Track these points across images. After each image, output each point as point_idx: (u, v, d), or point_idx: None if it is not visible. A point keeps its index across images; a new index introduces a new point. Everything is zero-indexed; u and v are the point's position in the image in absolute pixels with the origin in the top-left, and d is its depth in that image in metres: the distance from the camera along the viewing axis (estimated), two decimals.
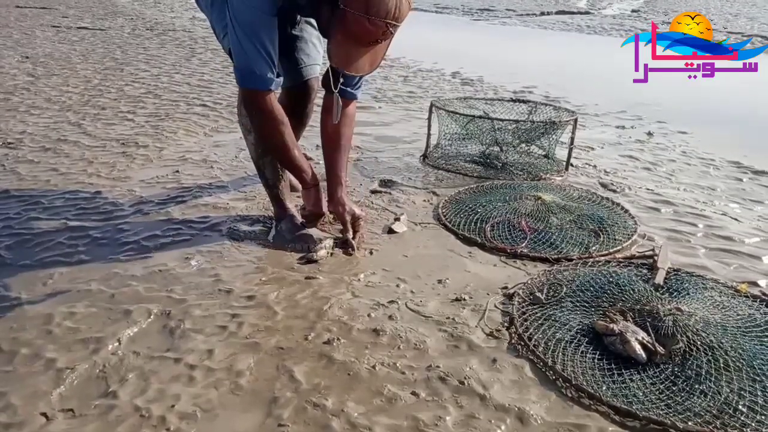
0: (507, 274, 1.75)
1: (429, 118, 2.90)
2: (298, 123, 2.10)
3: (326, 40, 1.59)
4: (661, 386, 1.25)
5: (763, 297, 1.61)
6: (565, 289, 1.61)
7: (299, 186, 1.89)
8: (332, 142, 1.92)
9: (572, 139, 2.71)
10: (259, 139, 1.86)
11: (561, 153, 2.82)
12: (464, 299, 1.59)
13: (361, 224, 1.91)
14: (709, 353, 1.31)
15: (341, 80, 1.80)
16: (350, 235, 1.87)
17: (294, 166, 1.81)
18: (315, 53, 1.98)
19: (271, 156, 1.91)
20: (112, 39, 6.42)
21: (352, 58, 1.53)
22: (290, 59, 1.95)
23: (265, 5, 1.56)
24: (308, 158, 1.83)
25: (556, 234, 1.96)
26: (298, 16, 1.88)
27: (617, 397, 1.22)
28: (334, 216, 1.95)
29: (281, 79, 1.69)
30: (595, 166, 2.80)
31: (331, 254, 1.82)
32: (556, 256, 1.83)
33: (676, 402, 1.20)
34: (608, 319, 1.42)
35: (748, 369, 1.28)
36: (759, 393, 1.22)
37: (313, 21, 1.90)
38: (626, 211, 2.21)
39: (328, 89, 1.79)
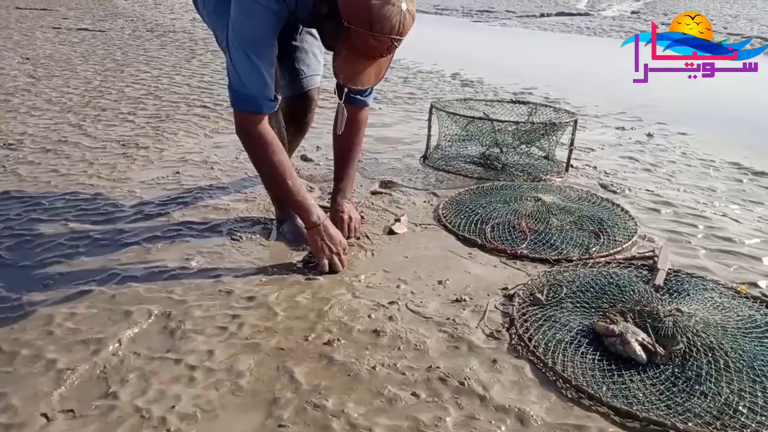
0: (507, 275, 1.75)
1: (429, 120, 2.91)
2: (298, 131, 2.14)
3: (329, 53, 1.59)
4: (662, 387, 1.25)
5: (764, 298, 1.61)
6: (565, 290, 1.61)
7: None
8: (341, 150, 1.97)
9: (572, 140, 2.71)
10: (255, 167, 1.76)
11: (561, 154, 2.82)
12: (464, 300, 1.59)
13: (356, 227, 1.93)
14: (710, 354, 1.31)
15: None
16: (349, 237, 1.87)
17: (291, 200, 1.70)
18: (315, 64, 2.00)
19: None
20: (112, 40, 6.43)
21: (357, 72, 1.54)
22: (291, 70, 1.96)
23: (270, 24, 1.53)
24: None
25: (556, 235, 1.96)
26: (300, 27, 1.89)
27: (617, 398, 1.22)
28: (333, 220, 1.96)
29: (277, 102, 1.63)
30: (595, 168, 2.80)
31: None
32: (556, 257, 1.83)
33: (676, 403, 1.20)
34: (608, 320, 1.41)
35: (749, 370, 1.28)
36: (759, 394, 1.22)
37: (314, 31, 1.92)
38: (626, 212, 2.21)
39: (340, 97, 1.79)
